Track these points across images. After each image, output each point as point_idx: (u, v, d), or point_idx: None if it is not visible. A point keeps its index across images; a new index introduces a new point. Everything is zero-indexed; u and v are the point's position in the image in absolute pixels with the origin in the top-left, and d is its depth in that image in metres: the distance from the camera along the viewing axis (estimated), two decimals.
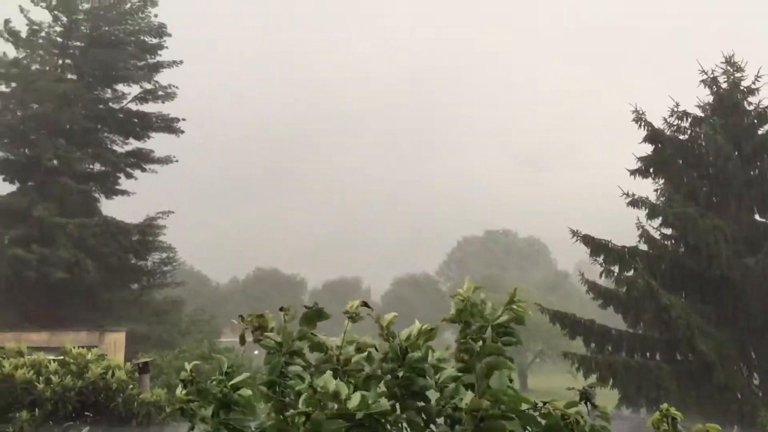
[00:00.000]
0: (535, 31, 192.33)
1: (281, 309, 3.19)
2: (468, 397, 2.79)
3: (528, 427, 2.74)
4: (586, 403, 2.75)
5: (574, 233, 26.55)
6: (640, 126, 27.25)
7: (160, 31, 47.85)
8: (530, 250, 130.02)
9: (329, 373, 2.87)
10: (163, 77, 48.15)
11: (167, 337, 42.18)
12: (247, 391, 3.11)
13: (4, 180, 43.90)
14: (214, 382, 3.11)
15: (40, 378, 16.39)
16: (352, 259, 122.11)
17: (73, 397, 16.15)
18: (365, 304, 3.21)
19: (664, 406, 3.02)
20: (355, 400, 2.68)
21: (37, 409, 16.01)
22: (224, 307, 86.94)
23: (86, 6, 47.07)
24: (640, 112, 27.14)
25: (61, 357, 17.47)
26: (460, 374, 2.90)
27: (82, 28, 46.74)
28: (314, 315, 3.18)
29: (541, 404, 2.73)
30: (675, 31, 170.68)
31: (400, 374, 2.90)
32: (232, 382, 3.10)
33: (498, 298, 3.12)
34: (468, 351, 2.91)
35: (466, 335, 2.93)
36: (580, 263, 29.83)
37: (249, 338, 3.39)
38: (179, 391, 3.19)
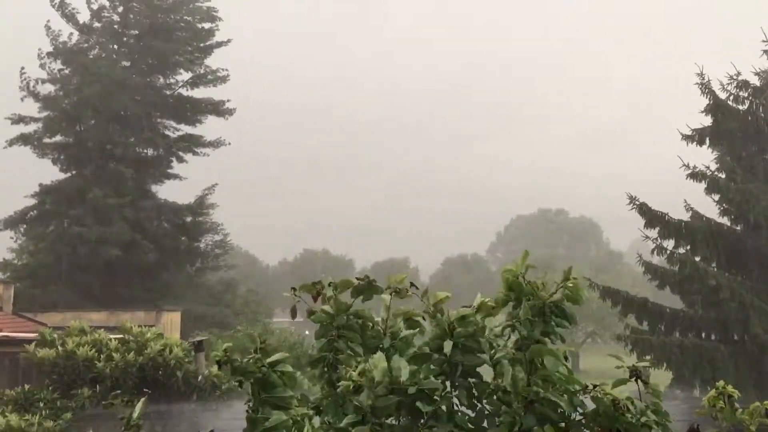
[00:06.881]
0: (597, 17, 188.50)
1: (330, 284, 3.18)
2: (518, 375, 2.77)
3: (579, 409, 2.74)
4: (636, 381, 2.73)
5: (632, 200, 25.68)
6: (704, 94, 26.27)
7: (211, 15, 48.38)
8: (582, 229, 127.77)
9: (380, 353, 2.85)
10: (217, 59, 48.80)
11: (222, 318, 43.09)
12: (287, 367, 2.99)
13: (61, 164, 45.00)
14: (251, 361, 2.95)
15: (101, 356, 16.95)
16: (402, 241, 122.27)
17: (133, 373, 16.66)
18: (411, 285, 3.19)
19: (721, 383, 2.98)
20: (406, 373, 2.67)
21: (98, 386, 16.57)
22: (274, 287, 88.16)
23: None
24: (706, 79, 26.14)
25: (122, 335, 18.03)
26: (510, 355, 2.88)
27: (138, 16, 47.54)
28: (365, 287, 3.14)
29: (591, 387, 2.71)
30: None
31: (448, 352, 2.88)
32: (269, 360, 2.96)
33: (548, 277, 3.09)
34: (518, 331, 2.89)
35: (517, 314, 2.92)
36: (634, 244, 28.98)
37: (301, 318, 3.42)
38: (215, 370, 3.11)
